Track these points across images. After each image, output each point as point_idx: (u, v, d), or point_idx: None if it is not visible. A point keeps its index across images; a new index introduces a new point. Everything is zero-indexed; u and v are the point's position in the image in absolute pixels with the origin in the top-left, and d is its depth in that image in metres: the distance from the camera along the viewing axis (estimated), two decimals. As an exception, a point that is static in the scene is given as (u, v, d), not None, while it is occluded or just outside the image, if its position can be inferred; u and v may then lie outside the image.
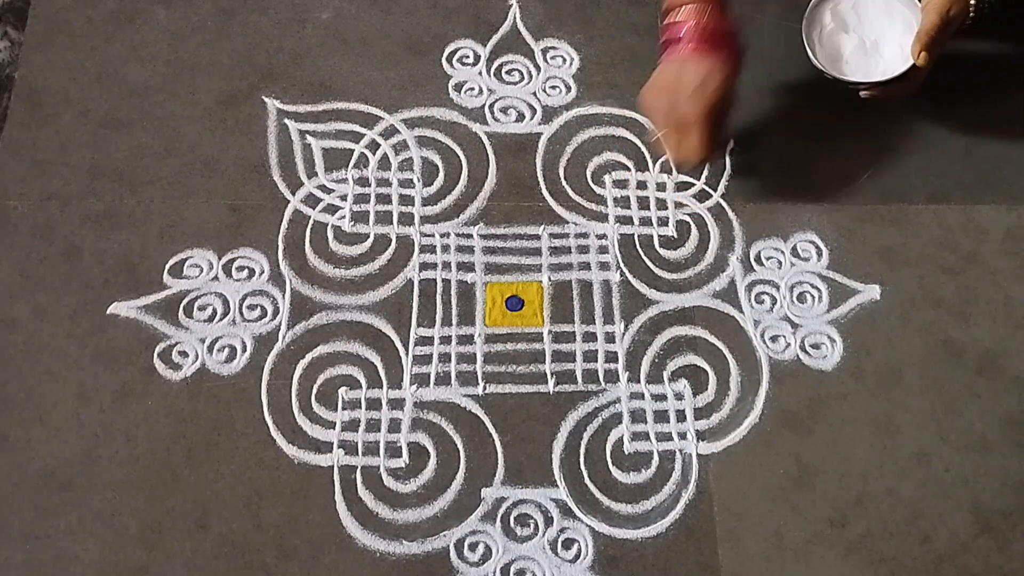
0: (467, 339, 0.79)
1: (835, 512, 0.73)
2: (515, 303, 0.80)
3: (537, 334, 0.79)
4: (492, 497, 0.73)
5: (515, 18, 0.93)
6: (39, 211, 0.82)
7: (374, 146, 0.86)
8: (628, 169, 0.87)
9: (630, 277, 0.82)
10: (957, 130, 0.89)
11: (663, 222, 0.84)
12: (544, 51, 0.92)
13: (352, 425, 0.75)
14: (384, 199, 0.84)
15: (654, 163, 0.87)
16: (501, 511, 0.73)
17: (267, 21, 0.92)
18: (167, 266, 0.80)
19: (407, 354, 0.78)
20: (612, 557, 0.71)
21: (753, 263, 0.83)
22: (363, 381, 0.77)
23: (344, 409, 0.76)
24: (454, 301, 0.80)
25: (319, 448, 0.74)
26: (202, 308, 0.79)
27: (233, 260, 0.81)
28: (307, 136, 0.86)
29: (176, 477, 0.72)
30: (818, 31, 0.83)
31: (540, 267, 0.82)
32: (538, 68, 0.91)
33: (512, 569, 0.71)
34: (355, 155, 0.86)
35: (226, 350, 0.77)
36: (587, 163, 0.87)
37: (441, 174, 0.86)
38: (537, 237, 0.83)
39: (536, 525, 0.72)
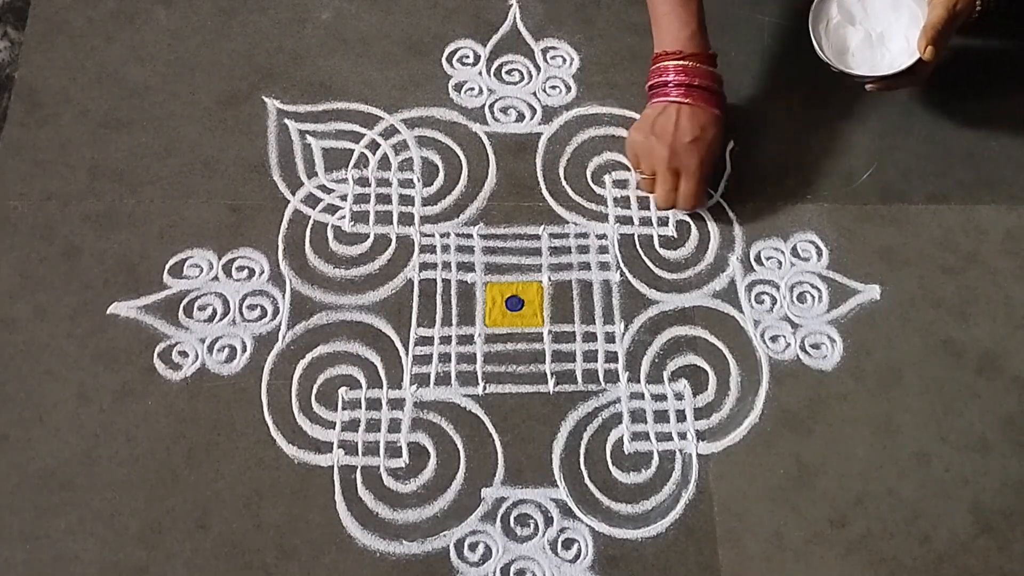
0: (467, 339, 0.79)
1: (835, 512, 0.73)
2: (515, 303, 0.80)
3: (537, 334, 0.79)
4: (492, 497, 0.73)
5: (515, 18, 0.93)
6: (39, 211, 0.82)
7: (374, 146, 0.86)
8: (628, 169, 0.87)
9: (630, 277, 0.82)
10: (957, 130, 0.90)
11: (663, 222, 0.84)
12: (544, 51, 0.92)
13: (352, 425, 0.75)
14: (384, 199, 0.84)
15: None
16: (501, 511, 0.73)
17: (267, 21, 0.92)
18: (167, 266, 0.80)
19: (407, 354, 0.78)
20: (612, 557, 0.71)
21: (753, 263, 0.83)
22: (363, 381, 0.77)
23: (344, 409, 0.76)
24: (454, 301, 0.80)
25: (319, 448, 0.74)
26: (202, 308, 0.79)
27: (233, 260, 0.81)
28: (307, 136, 0.86)
29: (176, 477, 0.72)
30: (824, 24, 0.83)
31: (540, 267, 0.82)
32: (538, 68, 0.91)
33: (512, 569, 0.71)
34: (355, 155, 0.86)
35: (226, 350, 0.77)
36: (587, 163, 0.87)
37: (441, 174, 0.86)
38: (537, 237, 0.83)
39: (536, 525, 0.72)
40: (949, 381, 0.78)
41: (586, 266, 0.82)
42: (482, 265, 0.82)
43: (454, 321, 0.79)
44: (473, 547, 0.71)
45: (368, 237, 0.82)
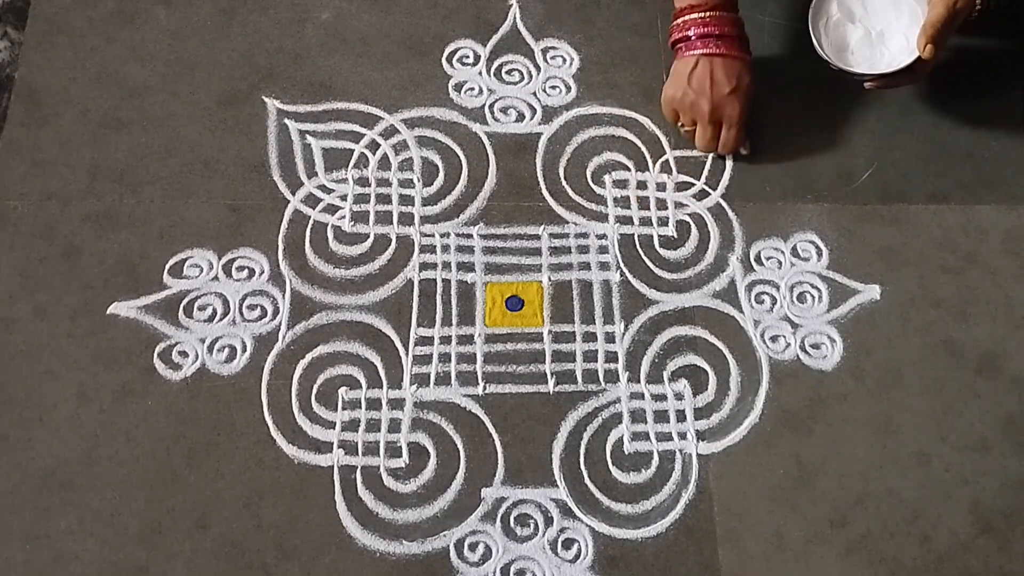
0: (467, 339, 0.79)
1: (835, 512, 0.73)
2: (515, 303, 0.80)
3: (537, 334, 0.79)
4: (492, 497, 0.73)
5: (515, 18, 0.93)
6: (39, 211, 0.82)
7: (374, 146, 0.86)
8: (628, 169, 0.87)
9: (630, 277, 0.82)
10: (957, 130, 0.90)
11: (663, 222, 0.84)
12: (544, 51, 0.92)
13: (352, 425, 0.75)
14: (384, 199, 0.84)
15: (654, 163, 0.87)
16: (501, 511, 0.73)
17: (267, 21, 0.92)
18: (167, 266, 0.80)
19: (407, 354, 0.78)
20: (612, 557, 0.71)
21: (753, 263, 0.83)
22: (363, 381, 0.77)
23: (344, 409, 0.76)
24: (454, 301, 0.80)
25: (319, 448, 0.74)
26: (202, 308, 0.79)
27: (233, 260, 0.81)
28: (307, 136, 0.86)
29: (176, 477, 0.72)
30: (824, 21, 0.83)
31: (540, 267, 0.82)
32: (538, 68, 0.91)
33: (512, 569, 0.71)
34: (355, 155, 0.86)
35: (226, 350, 0.77)
36: (587, 163, 0.87)
37: (441, 174, 0.86)
38: (537, 237, 0.83)
39: (536, 525, 0.72)
40: (949, 381, 0.78)
41: (586, 266, 0.82)
42: (482, 265, 0.82)
43: (454, 321, 0.79)
44: (473, 547, 0.71)
45: (368, 237, 0.82)
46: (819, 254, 0.83)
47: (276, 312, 0.79)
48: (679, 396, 0.77)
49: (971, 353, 0.80)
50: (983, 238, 0.85)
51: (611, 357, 0.78)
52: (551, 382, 0.77)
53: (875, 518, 0.73)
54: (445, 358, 0.78)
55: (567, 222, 0.84)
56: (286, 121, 0.87)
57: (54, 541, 0.70)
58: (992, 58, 0.93)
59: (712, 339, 0.80)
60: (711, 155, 0.87)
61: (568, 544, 0.72)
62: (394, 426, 0.75)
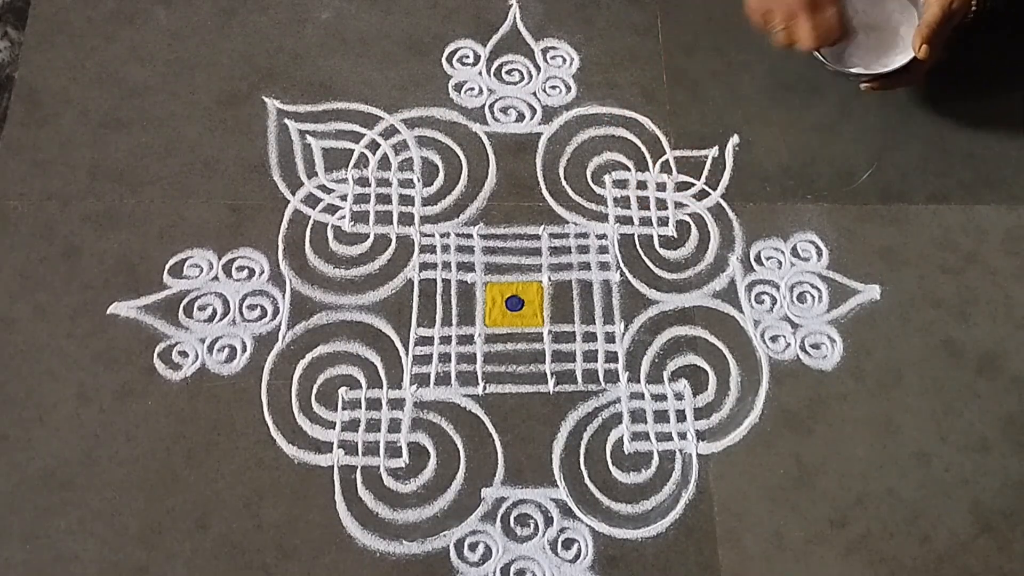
0: (467, 339, 0.79)
1: (835, 512, 0.73)
2: (515, 303, 0.80)
3: (537, 334, 0.79)
4: (492, 497, 0.73)
5: (515, 18, 0.93)
6: (39, 211, 0.82)
7: (374, 146, 0.86)
8: (628, 169, 0.87)
9: (630, 277, 0.82)
10: (957, 130, 0.90)
11: (663, 222, 0.84)
12: (544, 51, 0.92)
13: (352, 425, 0.75)
14: (384, 199, 0.84)
15: (654, 163, 0.87)
16: (501, 511, 0.73)
17: (267, 21, 0.92)
18: (167, 266, 0.80)
19: (407, 354, 0.78)
20: (612, 557, 0.71)
21: (753, 263, 0.83)
22: (363, 381, 0.77)
23: (344, 409, 0.76)
24: (454, 301, 0.80)
25: (319, 448, 0.74)
26: (202, 308, 0.79)
27: (233, 260, 0.81)
28: (307, 136, 0.86)
29: (176, 477, 0.72)
30: None
31: (540, 267, 0.82)
32: (538, 68, 0.91)
33: (512, 569, 0.71)
34: (355, 155, 0.86)
35: (226, 350, 0.77)
36: (587, 163, 0.87)
37: (441, 174, 0.86)
38: (537, 237, 0.83)
39: (536, 525, 0.72)
40: (949, 381, 0.78)
41: (586, 266, 0.82)
42: (482, 265, 0.82)
43: (454, 321, 0.79)
44: (473, 547, 0.71)
45: (368, 237, 0.82)
46: (819, 254, 0.83)
47: (276, 312, 0.79)
48: (679, 396, 0.77)
49: (971, 353, 0.80)
50: (983, 238, 0.85)
51: (611, 357, 0.78)
52: (551, 382, 0.77)
53: (875, 518, 0.73)
54: (445, 358, 0.78)
55: (567, 222, 0.84)
56: (286, 121, 0.87)
57: (54, 541, 0.70)
58: (992, 58, 0.93)
59: (712, 339, 0.80)
60: (711, 155, 0.87)
61: (568, 544, 0.72)
62: (394, 426, 0.75)
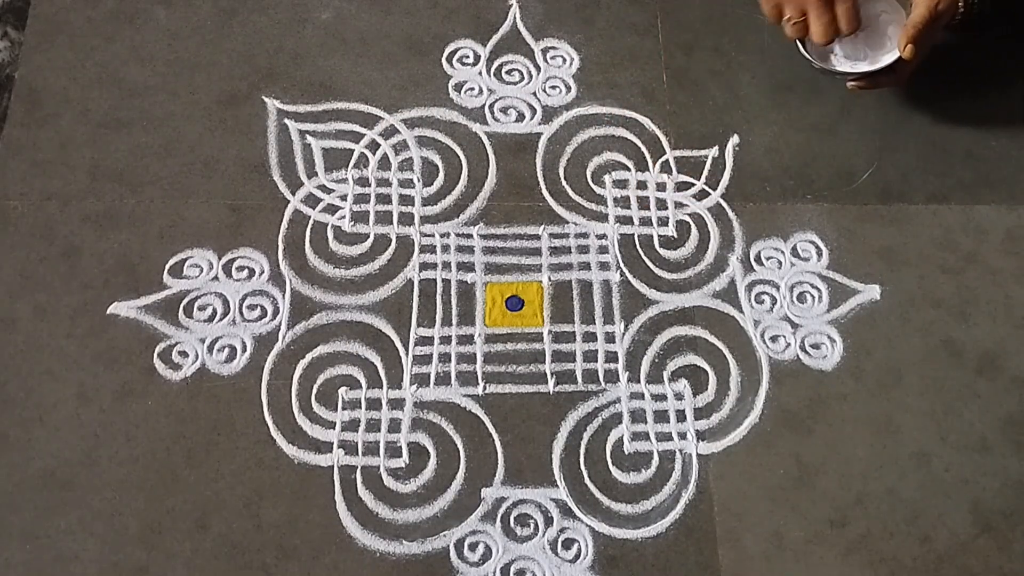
0: (467, 339, 0.79)
1: (835, 512, 0.73)
2: (515, 303, 0.80)
3: (537, 334, 0.79)
4: (492, 497, 0.73)
5: (515, 18, 0.93)
6: (39, 211, 0.82)
7: (374, 146, 0.86)
8: (628, 169, 0.87)
9: (630, 277, 0.82)
10: (957, 130, 0.90)
11: (663, 222, 0.84)
12: (544, 51, 0.92)
13: (352, 425, 0.75)
14: (384, 199, 0.84)
15: (654, 163, 0.87)
16: (501, 511, 0.73)
17: (267, 21, 0.92)
18: (167, 266, 0.80)
19: (407, 354, 0.78)
20: (612, 557, 0.71)
21: (753, 263, 0.83)
22: (363, 381, 0.77)
23: (344, 409, 0.76)
24: (454, 301, 0.80)
25: (319, 448, 0.74)
26: (202, 308, 0.79)
27: (233, 260, 0.81)
28: (307, 136, 0.86)
29: (176, 477, 0.72)
30: None
31: (540, 267, 0.82)
32: (538, 68, 0.91)
33: (512, 569, 0.71)
34: (355, 155, 0.86)
35: (226, 350, 0.77)
36: (587, 163, 0.87)
37: (441, 174, 0.86)
38: (537, 237, 0.83)
39: (536, 525, 0.72)
40: (949, 381, 0.78)
41: (586, 266, 0.82)
42: (482, 265, 0.82)
43: (454, 321, 0.79)
44: (473, 547, 0.71)
45: (368, 237, 0.82)
46: (819, 254, 0.83)
47: (276, 312, 0.79)
48: (679, 396, 0.77)
49: (971, 353, 0.80)
50: (983, 238, 0.85)
51: (611, 357, 0.78)
52: (551, 382, 0.77)
53: (875, 518, 0.73)
54: (445, 358, 0.78)
55: (567, 222, 0.84)
56: (286, 121, 0.87)
57: (54, 541, 0.70)
58: (992, 58, 0.93)
59: (712, 339, 0.80)
60: (711, 155, 0.87)
61: (568, 544, 0.72)
62: (394, 426, 0.75)
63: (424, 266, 0.81)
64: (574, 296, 0.81)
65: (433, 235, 0.83)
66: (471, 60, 0.91)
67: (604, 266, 0.82)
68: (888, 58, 0.80)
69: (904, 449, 0.76)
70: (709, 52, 0.91)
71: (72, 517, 0.71)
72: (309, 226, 0.82)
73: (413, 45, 0.92)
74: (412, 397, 0.76)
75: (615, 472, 0.74)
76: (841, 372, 0.78)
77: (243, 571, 0.69)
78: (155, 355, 0.76)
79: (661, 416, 0.76)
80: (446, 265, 0.81)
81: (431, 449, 0.74)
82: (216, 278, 0.80)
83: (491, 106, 0.89)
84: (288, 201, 0.83)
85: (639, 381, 0.78)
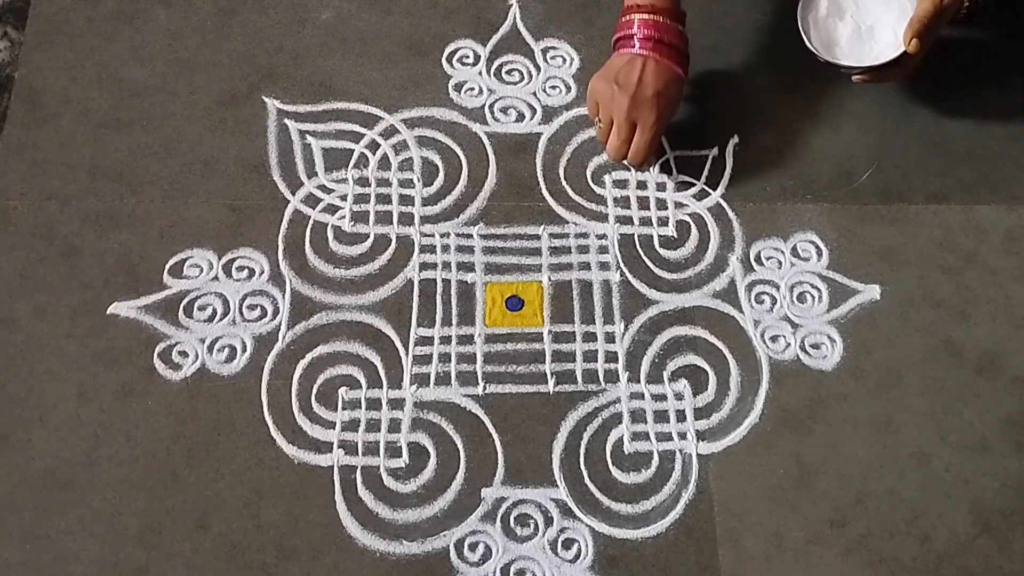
0: (467, 339, 0.79)
1: (835, 512, 0.73)
2: (515, 303, 0.80)
3: (537, 334, 0.79)
4: (492, 497, 0.73)
5: (515, 18, 0.93)
6: (39, 211, 0.82)
7: (374, 146, 0.86)
8: (628, 169, 0.87)
9: (630, 277, 0.82)
10: (957, 130, 0.90)
11: (663, 222, 0.84)
12: (544, 51, 0.92)
13: (352, 425, 0.75)
14: (384, 199, 0.84)
15: (654, 163, 0.87)
16: (501, 511, 0.73)
17: (267, 21, 0.92)
18: (167, 266, 0.80)
19: (407, 354, 0.78)
20: (612, 557, 0.71)
21: (753, 263, 0.83)
22: (363, 381, 0.77)
23: (344, 409, 0.76)
24: (454, 301, 0.80)
25: (319, 448, 0.74)
26: (202, 308, 0.79)
27: (233, 260, 0.81)
28: (307, 136, 0.86)
29: (176, 477, 0.72)
30: (813, 15, 0.84)
31: (540, 267, 0.82)
32: (538, 68, 0.91)
33: (512, 569, 0.71)
34: (355, 155, 0.86)
35: (226, 350, 0.77)
36: (587, 163, 0.87)
37: (441, 174, 0.86)
38: (537, 237, 0.83)
39: (536, 525, 0.72)
40: (949, 381, 0.78)
41: (586, 266, 0.82)
42: (482, 265, 0.82)
43: (454, 321, 0.79)
44: (473, 547, 0.71)
45: (368, 237, 0.82)
46: (819, 254, 0.83)
47: (276, 312, 0.79)
48: (679, 396, 0.77)
49: (971, 353, 0.80)
50: (983, 238, 0.85)
51: (611, 357, 0.78)
52: (551, 382, 0.77)
53: (875, 518, 0.73)
54: (445, 358, 0.78)
55: (567, 222, 0.84)
56: (286, 121, 0.87)
57: (54, 541, 0.70)
58: (993, 58, 0.93)
59: (712, 339, 0.80)
60: (711, 155, 0.87)
61: (568, 544, 0.72)
62: (394, 426, 0.75)
63: (424, 266, 0.81)
64: (574, 296, 0.81)
65: (433, 235, 0.83)
66: (471, 60, 0.91)
67: (604, 266, 0.82)
68: (893, 52, 0.80)
69: (904, 449, 0.76)
70: (709, 52, 0.91)
71: (72, 517, 0.71)
72: (309, 226, 0.82)
73: (413, 45, 0.92)
74: (412, 397, 0.76)
75: (615, 472, 0.74)
76: (841, 372, 0.78)
77: (243, 571, 0.69)
78: (155, 355, 0.76)
79: (661, 416, 0.76)
80: (446, 265, 0.81)
81: (431, 449, 0.74)
82: (216, 278, 0.80)
83: (491, 106, 0.89)
84: (288, 201, 0.83)
85: (639, 381, 0.78)
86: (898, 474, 0.75)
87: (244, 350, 0.77)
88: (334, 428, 0.75)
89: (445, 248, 0.82)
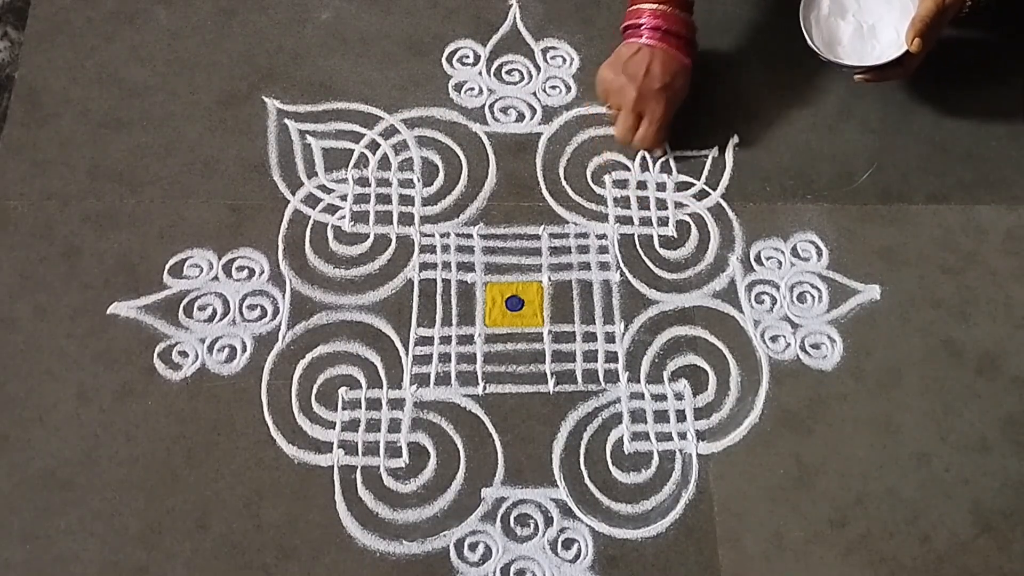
0: (467, 339, 0.79)
1: (835, 512, 0.73)
2: (515, 303, 0.80)
3: (537, 334, 0.79)
4: (492, 497, 0.73)
5: (515, 18, 0.93)
6: (39, 211, 0.82)
7: (374, 146, 0.86)
8: (628, 169, 0.87)
9: (630, 277, 0.82)
10: (957, 130, 0.90)
11: (663, 222, 0.84)
12: (544, 51, 0.92)
13: (352, 425, 0.75)
14: (384, 199, 0.84)
15: (654, 163, 0.87)
16: (501, 511, 0.73)
17: (267, 21, 0.92)
18: (167, 266, 0.80)
19: (407, 354, 0.78)
20: (612, 557, 0.71)
21: (753, 263, 0.83)
22: (363, 381, 0.77)
23: (344, 409, 0.76)
24: (454, 301, 0.80)
25: (319, 448, 0.74)
26: (202, 308, 0.79)
27: (233, 260, 0.81)
28: (307, 136, 0.86)
29: (176, 477, 0.72)
30: (815, 14, 0.84)
31: (540, 267, 0.82)
32: (538, 68, 0.91)
33: (512, 569, 0.71)
34: (355, 155, 0.86)
35: (226, 350, 0.77)
36: (587, 163, 0.87)
37: (441, 174, 0.86)
38: (537, 237, 0.83)
39: (536, 525, 0.72)
40: (949, 381, 0.78)
41: (586, 266, 0.82)
42: (482, 265, 0.82)
43: (454, 321, 0.79)
44: (473, 547, 0.71)
45: (368, 237, 0.82)
46: (819, 254, 0.83)
47: (276, 312, 0.79)
48: (679, 396, 0.77)
49: (971, 353, 0.80)
50: (983, 238, 0.85)
51: (611, 357, 0.78)
52: (551, 382, 0.77)
53: (875, 518, 0.73)
54: (445, 358, 0.78)
55: (567, 222, 0.84)
56: (286, 121, 0.87)
57: (54, 541, 0.70)
58: (993, 58, 0.93)
59: (712, 339, 0.80)
60: (711, 155, 0.87)
61: (568, 544, 0.72)
62: (394, 426, 0.75)
63: (424, 266, 0.81)
64: (574, 296, 0.81)
65: (433, 235, 0.83)
66: (471, 60, 0.91)
67: (604, 266, 0.82)
68: (895, 51, 0.80)
69: (904, 449, 0.76)
70: (709, 52, 0.91)
71: (72, 517, 0.71)
72: (309, 226, 0.82)
73: (413, 45, 0.92)
74: (412, 397, 0.76)
75: (615, 472, 0.74)
76: (841, 372, 0.78)
77: (243, 571, 0.69)
78: (155, 355, 0.76)
79: (661, 416, 0.76)
80: (446, 265, 0.81)
81: (431, 449, 0.74)
82: (216, 278, 0.80)
83: (491, 106, 0.89)
84: (288, 201, 0.83)
85: (639, 381, 0.78)
86: (898, 474, 0.75)
87: (244, 350, 0.77)
88: (334, 428, 0.75)
89: (445, 248, 0.82)
